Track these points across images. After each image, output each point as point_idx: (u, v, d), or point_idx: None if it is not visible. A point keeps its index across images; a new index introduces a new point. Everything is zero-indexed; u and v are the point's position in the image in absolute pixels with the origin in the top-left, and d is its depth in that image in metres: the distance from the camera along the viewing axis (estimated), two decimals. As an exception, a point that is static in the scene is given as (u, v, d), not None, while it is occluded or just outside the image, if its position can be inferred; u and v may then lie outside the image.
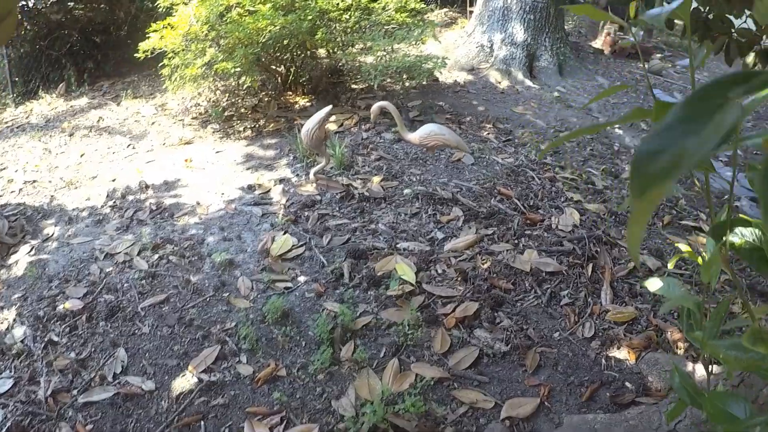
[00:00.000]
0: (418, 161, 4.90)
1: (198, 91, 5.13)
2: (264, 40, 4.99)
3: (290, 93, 6.07)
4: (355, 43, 5.80)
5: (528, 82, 6.95)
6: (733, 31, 2.90)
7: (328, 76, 5.86)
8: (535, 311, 3.27)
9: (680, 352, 2.99)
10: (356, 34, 5.82)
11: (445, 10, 9.69)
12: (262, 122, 5.59)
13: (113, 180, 4.86)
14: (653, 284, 1.38)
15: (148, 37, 5.15)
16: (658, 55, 9.39)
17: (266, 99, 5.94)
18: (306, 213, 4.15)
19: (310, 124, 4.10)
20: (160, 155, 5.24)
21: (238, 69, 4.80)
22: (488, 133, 5.57)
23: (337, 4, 5.73)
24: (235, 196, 4.45)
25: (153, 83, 7.07)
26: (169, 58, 5.20)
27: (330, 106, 4.12)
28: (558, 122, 6.16)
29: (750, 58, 2.85)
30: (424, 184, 4.57)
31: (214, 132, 5.54)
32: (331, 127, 5.41)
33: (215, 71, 4.96)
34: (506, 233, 4.04)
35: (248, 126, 5.54)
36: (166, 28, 5.08)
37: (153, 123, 5.92)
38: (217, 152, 5.16)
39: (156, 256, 3.70)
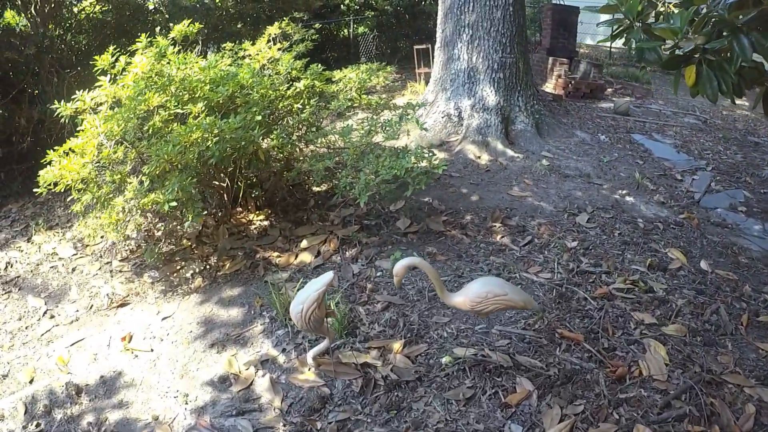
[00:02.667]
0: (436, 302, 3.60)
1: (124, 234, 3.59)
2: (206, 160, 3.56)
3: (240, 209, 4.62)
4: (315, 141, 4.47)
5: (510, 152, 5.84)
6: None
7: (286, 183, 4.45)
8: None
9: None
10: (313, 128, 4.49)
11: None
12: (213, 260, 4.11)
13: (31, 380, 3.29)
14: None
15: (49, 163, 3.60)
16: (623, 98, 8.61)
17: (212, 222, 4.45)
18: (318, 423, 2.77)
19: (305, 304, 2.73)
20: (88, 329, 3.68)
21: (173, 203, 3.32)
22: (501, 237, 4.37)
23: (285, 89, 4.39)
24: (206, 398, 3.01)
25: (69, 204, 5.40)
26: (78, 191, 3.64)
27: (330, 275, 2.76)
28: (565, 201, 5.08)
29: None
30: (461, 340, 3.30)
31: (153, 282, 4.01)
32: (305, 258, 4.01)
33: (142, 207, 3.45)
34: (598, 405, 2.90)
35: (196, 269, 4.05)
36: (67, 155, 3.54)
37: (73, 269, 4.31)
38: (164, 318, 3.65)
39: None
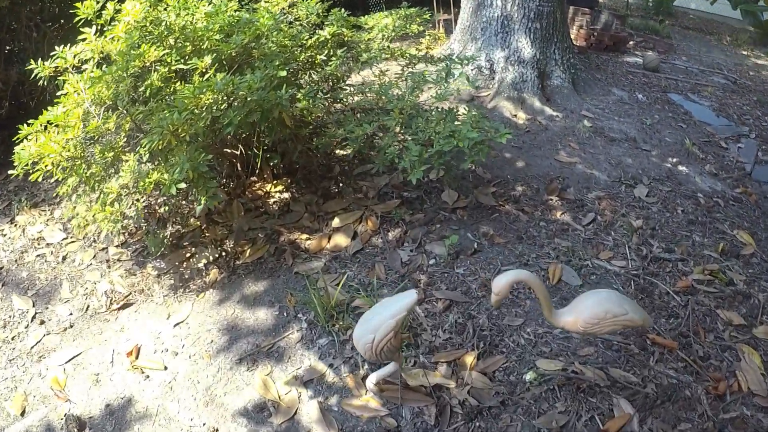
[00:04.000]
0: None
1: (121, 224, 2.79)
2: (220, 128, 2.76)
3: (254, 179, 3.83)
4: (344, 100, 3.67)
5: (548, 110, 5.08)
6: None
7: (313, 151, 3.66)
8: None
9: None
10: (339, 84, 3.69)
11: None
12: (229, 245, 3.35)
13: (22, 411, 2.57)
14: None
15: (25, 138, 2.77)
16: (648, 53, 7.80)
17: (223, 196, 3.67)
18: (386, 468, 2.12)
19: (378, 334, 2.03)
20: (86, 338, 2.95)
21: (182, 184, 2.53)
22: (561, 213, 3.67)
23: (307, 38, 3.57)
24: (238, 434, 2.31)
25: (55, 184, 4.52)
26: (64, 170, 2.82)
27: (413, 297, 2.04)
28: (617, 169, 4.39)
29: None
30: (541, 348, 2.66)
31: (159, 275, 3.25)
32: (340, 241, 3.28)
33: (142, 190, 2.64)
34: (704, 429, 2.41)
35: (210, 258, 3.29)
36: (47, 129, 2.71)
37: (64, 258, 3.52)
38: (177, 324, 2.91)
39: None
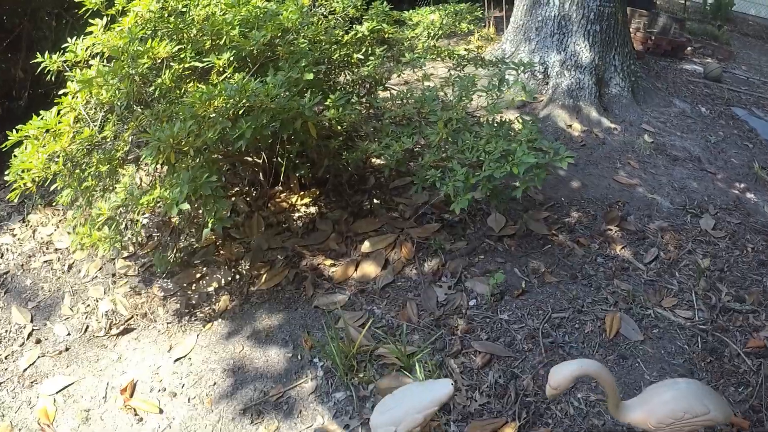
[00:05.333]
0: (553, 353, 2.43)
1: (121, 245, 2.36)
2: (232, 140, 2.29)
3: (279, 188, 3.38)
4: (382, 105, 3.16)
5: (605, 122, 4.49)
6: None
7: (345, 164, 3.16)
8: None
9: None
10: (379, 86, 3.20)
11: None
12: (244, 266, 2.91)
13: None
14: None
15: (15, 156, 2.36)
16: (708, 60, 7.07)
17: (243, 207, 3.23)
18: None
19: (402, 427, 1.54)
20: (80, 365, 2.57)
21: (185, 205, 2.08)
22: (621, 247, 3.13)
23: (342, 34, 3.08)
24: None
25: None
26: (60, 180, 2.40)
27: (446, 391, 1.58)
28: (681, 194, 3.80)
29: None
30: (593, 419, 2.17)
31: (165, 297, 2.83)
32: (368, 270, 2.80)
33: (137, 209, 2.19)
34: None
35: (222, 281, 2.85)
36: (36, 137, 2.28)
37: (69, 267, 3.14)
38: (178, 360, 2.49)
39: None
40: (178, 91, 2.48)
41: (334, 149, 2.89)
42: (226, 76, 2.52)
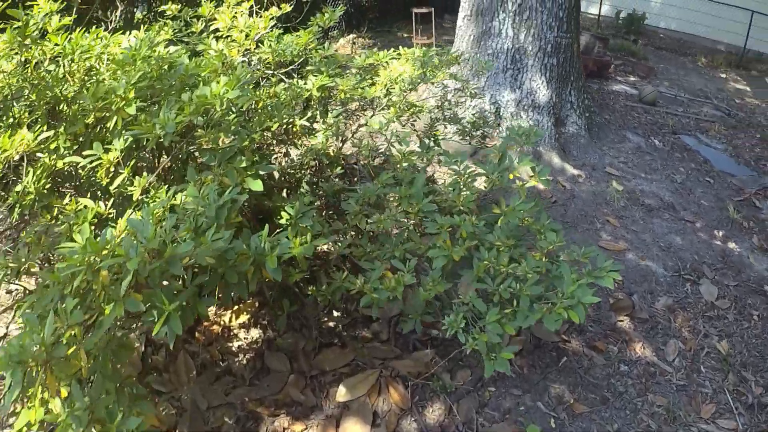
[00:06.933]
0: None
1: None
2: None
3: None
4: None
5: (569, 168, 4.08)
6: None
7: (303, 293, 2.38)
8: None
9: None
10: (337, 167, 2.51)
11: (353, 36, 6.30)
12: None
13: None
14: None
15: None
16: (632, 77, 7.00)
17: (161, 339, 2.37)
18: None
19: None
20: None
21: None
22: (641, 347, 2.69)
23: (269, 92, 2.38)
24: None
25: None
26: None
27: None
28: (669, 254, 3.51)
29: None
30: None
31: None
32: (354, 431, 2.09)
33: None
34: None
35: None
36: None
37: None
38: None
39: None
40: (45, 215, 1.62)
41: (293, 285, 2.14)
42: (124, 178, 1.71)
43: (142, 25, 2.60)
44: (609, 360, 2.57)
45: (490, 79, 4.18)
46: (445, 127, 2.94)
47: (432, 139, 2.82)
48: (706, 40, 9.14)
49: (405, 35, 8.10)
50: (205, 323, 2.47)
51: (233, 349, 2.40)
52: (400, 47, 2.86)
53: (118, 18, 2.57)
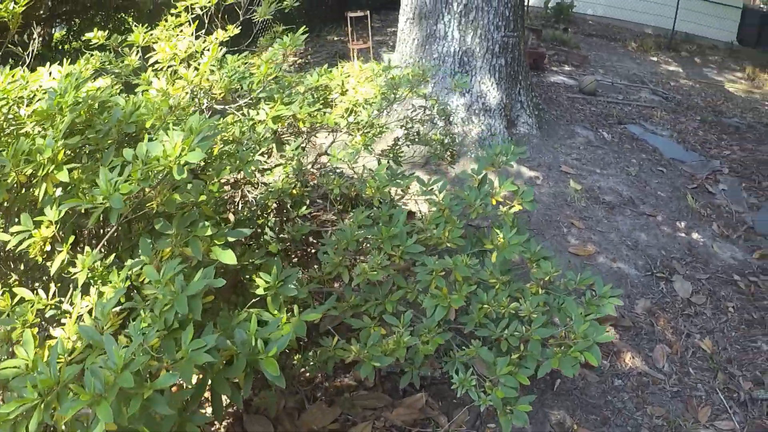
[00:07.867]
0: None
1: None
2: None
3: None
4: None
5: (525, 171, 4.05)
6: None
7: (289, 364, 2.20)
8: None
9: None
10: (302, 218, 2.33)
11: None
12: None
13: None
14: None
15: None
16: (566, 66, 7.09)
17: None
18: None
19: None
20: None
21: None
22: (631, 357, 2.67)
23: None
24: None
25: None
26: None
27: None
28: (638, 253, 3.55)
29: None
30: None
31: None
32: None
33: None
34: None
35: None
36: None
37: None
38: None
39: None
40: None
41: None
42: (63, 264, 1.47)
43: (64, 56, 2.33)
44: (602, 376, 2.52)
45: (438, 85, 4.08)
46: (408, 147, 2.81)
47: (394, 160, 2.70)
48: (634, 24, 9.43)
49: (336, 38, 7.91)
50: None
51: (207, 414, 2.18)
52: (339, 60, 2.71)
53: (36, 41, 2.27)
